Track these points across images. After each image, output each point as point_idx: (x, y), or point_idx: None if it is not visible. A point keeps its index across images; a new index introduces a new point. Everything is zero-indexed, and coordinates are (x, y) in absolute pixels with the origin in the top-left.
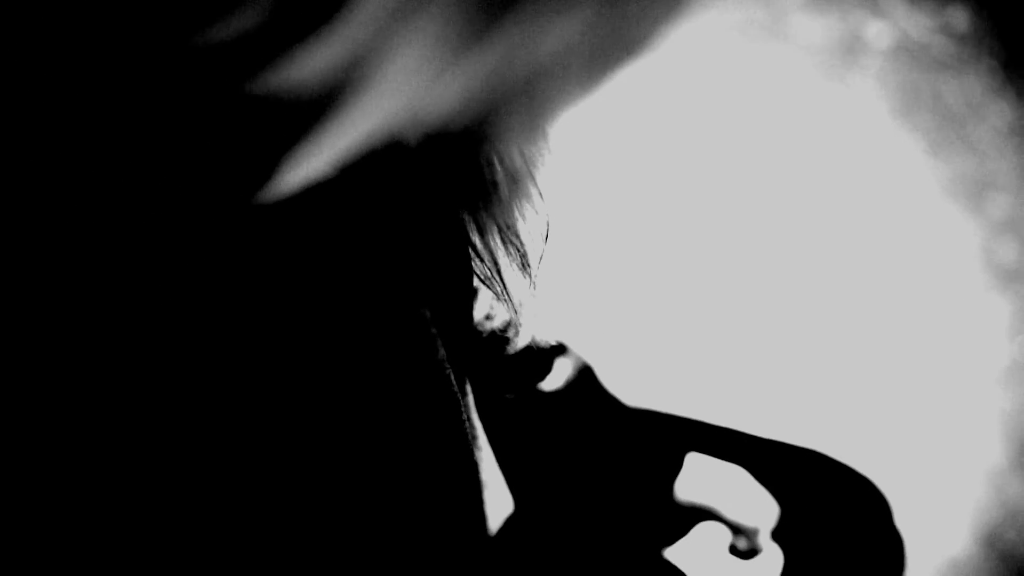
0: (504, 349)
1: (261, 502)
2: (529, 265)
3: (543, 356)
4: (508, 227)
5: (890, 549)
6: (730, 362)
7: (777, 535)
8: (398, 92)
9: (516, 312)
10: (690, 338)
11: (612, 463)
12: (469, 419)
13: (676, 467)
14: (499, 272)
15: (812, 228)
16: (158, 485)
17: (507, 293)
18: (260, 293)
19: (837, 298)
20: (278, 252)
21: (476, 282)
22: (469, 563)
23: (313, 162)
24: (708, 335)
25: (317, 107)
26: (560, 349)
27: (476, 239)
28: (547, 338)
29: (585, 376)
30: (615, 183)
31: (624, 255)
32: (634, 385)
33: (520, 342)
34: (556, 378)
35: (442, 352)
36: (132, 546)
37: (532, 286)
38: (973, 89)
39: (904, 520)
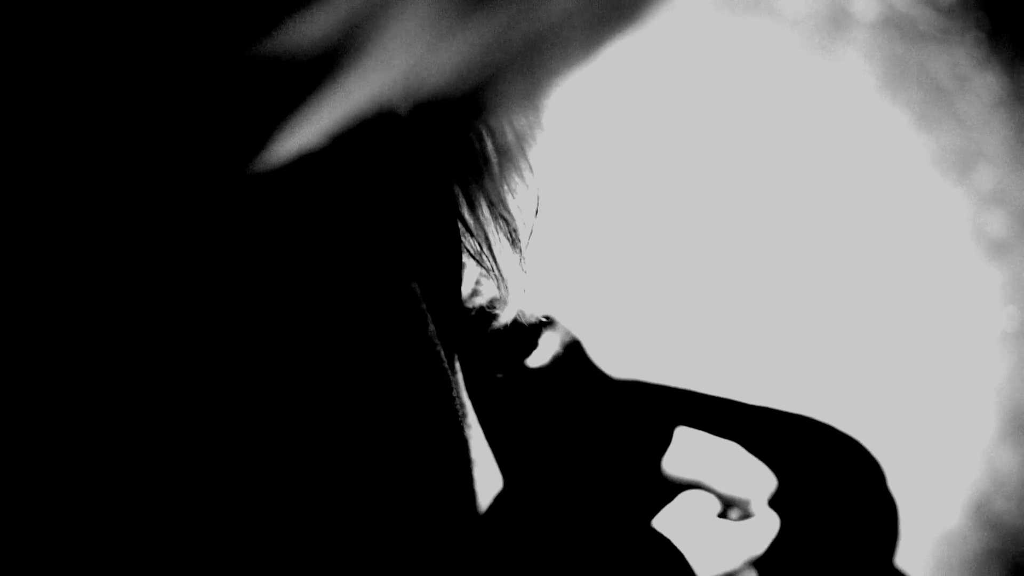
0: (491, 325)
1: (248, 476)
2: (519, 240)
3: (530, 331)
4: (499, 201)
5: (884, 513)
6: (720, 336)
7: (770, 502)
8: (395, 60)
9: (504, 287)
10: (678, 311)
11: (601, 437)
12: (458, 396)
13: (666, 439)
14: (489, 247)
15: (800, 202)
16: (152, 456)
17: (496, 268)
18: (249, 265)
19: (825, 272)
20: (268, 224)
21: (464, 257)
22: (459, 540)
23: (307, 131)
24: (697, 310)
25: (312, 75)
26: (547, 323)
27: (466, 213)
28: (534, 313)
29: (573, 350)
30: (600, 157)
31: (611, 229)
32: (622, 358)
33: (507, 317)
34: (544, 353)
35: (432, 327)
36: (132, 542)
37: (521, 261)
38: (960, 61)
39: (896, 487)
